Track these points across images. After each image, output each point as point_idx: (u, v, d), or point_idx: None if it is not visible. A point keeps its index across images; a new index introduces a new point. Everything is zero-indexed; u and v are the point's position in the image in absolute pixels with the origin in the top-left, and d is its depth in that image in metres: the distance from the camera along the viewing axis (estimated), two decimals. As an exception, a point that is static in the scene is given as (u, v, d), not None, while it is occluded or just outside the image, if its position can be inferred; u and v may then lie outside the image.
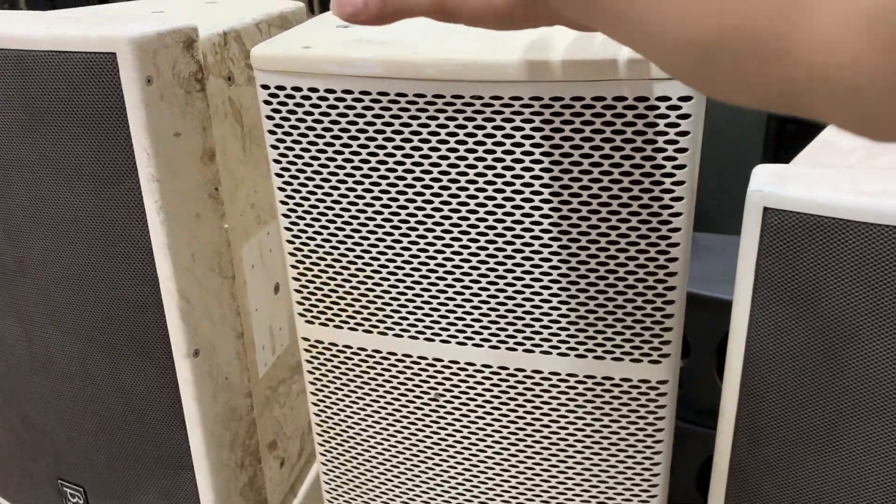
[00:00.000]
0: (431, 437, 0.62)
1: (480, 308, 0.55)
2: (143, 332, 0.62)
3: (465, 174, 0.51)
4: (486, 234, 0.53)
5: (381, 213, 0.54)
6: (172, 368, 0.63)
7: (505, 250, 0.53)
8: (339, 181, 0.54)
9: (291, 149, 0.54)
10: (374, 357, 0.60)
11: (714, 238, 1.09)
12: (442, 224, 0.53)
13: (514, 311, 0.55)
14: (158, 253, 0.58)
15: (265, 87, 0.53)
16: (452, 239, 0.53)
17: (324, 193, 0.55)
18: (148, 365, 0.63)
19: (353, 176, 0.53)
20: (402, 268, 0.56)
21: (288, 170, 0.55)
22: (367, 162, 0.53)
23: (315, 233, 0.57)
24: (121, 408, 0.67)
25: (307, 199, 0.55)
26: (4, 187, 0.61)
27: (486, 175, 0.51)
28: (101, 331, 0.63)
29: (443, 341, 0.58)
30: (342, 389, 0.63)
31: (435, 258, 0.54)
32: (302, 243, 0.58)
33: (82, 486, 0.74)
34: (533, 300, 0.54)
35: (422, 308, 0.57)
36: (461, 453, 0.62)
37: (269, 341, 0.76)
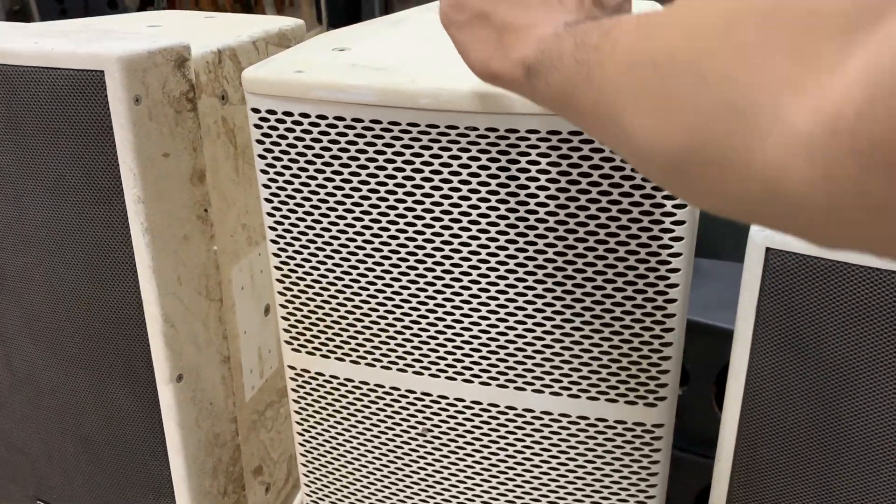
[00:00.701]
0: (418, 473, 0.60)
1: (471, 343, 0.53)
2: (126, 354, 0.60)
3: (458, 206, 0.49)
4: (479, 268, 0.51)
5: (372, 242, 0.52)
6: (155, 393, 0.61)
7: (497, 285, 0.51)
8: (329, 208, 0.52)
9: (282, 173, 0.52)
10: (361, 388, 0.58)
11: (713, 264, 1.07)
12: (433, 256, 0.51)
13: (506, 348, 0.53)
14: (143, 275, 0.57)
15: (256, 110, 0.51)
16: (444, 272, 0.52)
17: (313, 220, 0.53)
18: (130, 388, 0.62)
19: (344, 203, 0.52)
20: (392, 299, 0.54)
21: (277, 195, 0.53)
22: (358, 190, 0.51)
23: (304, 259, 0.55)
24: (102, 430, 0.65)
25: (296, 226, 0.54)
26: (-12, 203, 0.59)
27: (479, 208, 0.49)
28: (83, 351, 0.62)
29: (432, 375, 0.56)
30: (328, 420, 0.61)
31: (425, 290, 0.53)
32: (290, 270, 0.56)
33: (61, 509, 0.72)
34: (525, 337, 0.52)
35: (411, 341, 0.55)
36: (448, 490, 0.60)
37: (258, 364, 0.74)
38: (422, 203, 0.50)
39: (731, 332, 0.81)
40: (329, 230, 0.53)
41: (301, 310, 0.57)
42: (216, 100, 0.63)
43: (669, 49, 0.23)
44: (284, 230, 0.54)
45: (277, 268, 0.56)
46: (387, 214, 0.51)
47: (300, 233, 0.54)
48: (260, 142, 0.52)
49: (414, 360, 0.56)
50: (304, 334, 0.58)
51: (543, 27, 0.34)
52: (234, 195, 0.67)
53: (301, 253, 0.55)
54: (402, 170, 0.49)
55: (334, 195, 0.52)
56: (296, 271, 0.56)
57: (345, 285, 0.55)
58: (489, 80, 0.38)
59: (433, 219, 0.50)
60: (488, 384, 0.54)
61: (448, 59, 0.52)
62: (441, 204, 0.50)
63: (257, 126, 0.51)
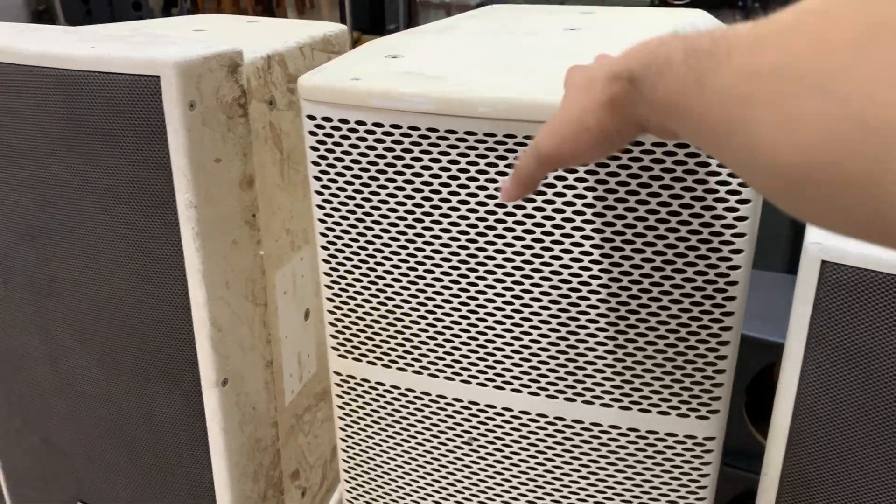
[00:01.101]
0: (462, 482, 0.60)
1: (521, 353, 0.53)
2: (172, 358, 0.61)
3: (513, 215, 0.49)
4: (532, 278, 0.51)
5: (423, 250, 0.52)
6: (200, 397, 0.62)
7: (550, 294, 0.51)
8: (382, 215, 0.52)
9: (335, 180, 0.52)
10: (406, 396, 0.58)
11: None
12: (485, 265, 0.51)
13: (557, 359, 0.52)
14: (192, 280, 0.57)
15: (311, 117, 0.51)
16: (496, 280, 0.51)
17: (364, 227, 0.53)
18: (175, 392, 0.62)
19: (396, 211, 0.52)
20: (442, 307, 0.54)
21: (330, 202, 0.53)
22: (411, 197, 0.51)
23: (354, 266, 0.55)
24: (144, 433, 0.65)
25: (347, 232, 0.54)
26: (41, 206, 0.60)
27: (534, 217, 0.49)
28: (129, 355, 0.62)
29: (480, 384, 0.56)
30: (372, 426, 0.61)
31: (476, 299, 0.53)
32: (339, 276, 0.56)
33: (101, 510, 0.72)
34: (577, 348, 0.52)
35: (459, 349, 0.55)
36: (492, 500, 0.59)
37: (297, 369, 0.75)
38: (475, 212, 0.50)
39: (762, 341, 0.80)
40: (381, 237, 0.53)
41: (349, 316, 0.57)
42: (265, 105, 0.63)
43: (795, 60, 0.22)
44: (336, 236, 0.54)
45: (327, 273, 0.56)
46: (440, 222, 0.51)
47: (351, 239, 0.54)
48: (314, 148, 0.52)
49: (462, 368, 0.55)
50: (352, 340, 0.58)
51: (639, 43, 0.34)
52: (279, 200, 0.67)
53: (351, 259, 0.55)
54: (457, 178, 0.49)
55: (387, 202, 0.52)
56: (345, 277, 0.56)
57: (394, 292, 0.55)
58: (597, 98, 0.36)
59: (486, 227, 0.50)
60: (537, 394, 0.54)
61: (502, 68, 0.52)
62: (495, 213, 0.49)
63: (312, 133, 0.51)
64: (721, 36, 0.26)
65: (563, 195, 0.48)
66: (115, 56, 0.53)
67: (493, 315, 0.53)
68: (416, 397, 0.58)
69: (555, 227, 0.49)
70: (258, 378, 0.66)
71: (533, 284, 0.51)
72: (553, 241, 0.49)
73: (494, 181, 0.48)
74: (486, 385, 0.56)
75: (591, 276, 0.49)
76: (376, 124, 0.49)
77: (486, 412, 0.56)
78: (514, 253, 0.50)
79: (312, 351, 0.78)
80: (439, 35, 0.63)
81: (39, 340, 0.67)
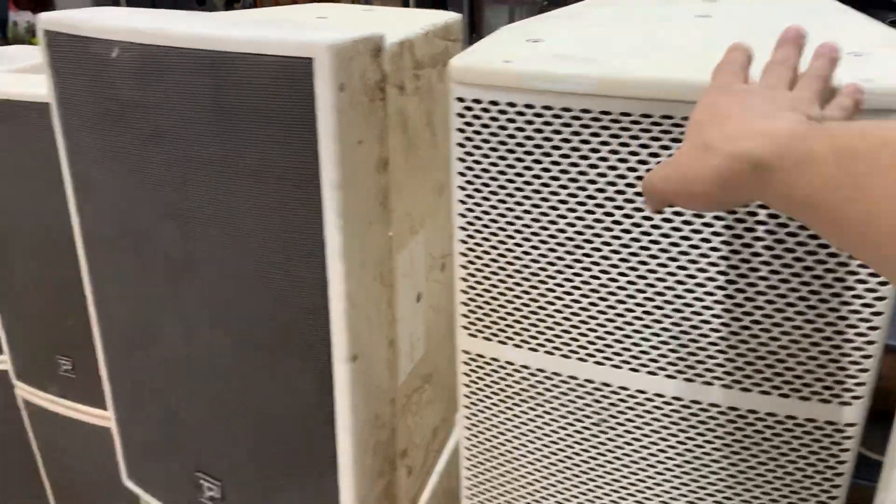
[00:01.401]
0: (588, 463, 0.60)
1: (660, 335, 0.54)
2: (307, 334, 0.63)
3: (662, 197, 0.50)
4: (678, 260, 0.51)
5: (565, 231, 0.53)
6: (330, 372, 0.63)
7: (696, 277, 0.51)
8: (525, 197, 0.53)
9: (479, 162, 0.54)
10: (536, 376, 0.59)
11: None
12: (629, 247, 0.52)
13: (697, 342, 0.53)
14: (332, 258, 0.59)
15: (461, 99, 0.52)
16: (639, 262, 0.52)
17: (506, 209, 0.54)
18: (307, 367, 0.64)
19: (540, 192, 0.53)
20: (580, 288, 0.55)
21: (472, 183, 0.54)
22: (557, 179, 0.52)
23: (491, 247, 0.56)
24: (272, 408, 0.68)
25: (487, 214, 0.55)
26: (184, 185, 0.62)
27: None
28: (264, 331, 0.64)
29: (614, 366, 0.56)
30: (499, 406, 0.62)
31: (617, 281, 0.53)
32: (476, 256, 0.57)
33: (221, 481, 0.75)
34: (720, 331, 0.52)
35: (595, 331, 0.56)
36: (618, 481, 0.60)
37: (409, 350, 0.76)
38: (623, 193, 0.50)
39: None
40: (521, 218, 0.54)
41: (483, 295, 0.58)
42: (396, 90, 0.64)
43: None
44: (475, 217, 0.56)
45: (463, 254, 0.58)
46: (584, 204, 0.52)
47: (491, 220, 0.55)
48: (461, 130, 0.53)
49: (596, 349, 0.56)
50: (483, 319, 0.59)
51: (770, 122, 0.34)
52: (403, 183, 0.68)
53: (489, 240, 0.56)
54: (606, 159, 0.50)
55: (531, 183, 0.53)
56: (481, 258, 0.57)
57: (531, 273, 0.56)
58: (709, 174, 0.37)
59: (634, 209, 0.51)
60: (674, 377, 0.54)
61: (650, 50, 0.53)
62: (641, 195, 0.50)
63: (460, 115, 0.53)
64: (878, 139, 0.26)
65: (716, 177, 0.48)
66: (269, 39, 0.55)
67: (633, 297, 0.53)
68: (546, 377, 0.59)
69: (696, 215, 0.49)
70: (382, 356, 0.68)
71: (679, 267, 0.51)
72: (703, 224, 0.49)
73: (646, 163, 0.49)
74: (620, 367, 0.56)
75: (741, 260, 0.50)
76: (528, 106, 0.50)
77: (619, 394, 0.57)
78: (661, 235, 0.51)
79: (422, 333, 0.79)
80: (571, 21, 0.64)
81: (173, 316, 0.69)
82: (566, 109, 0.49)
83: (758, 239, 0.49)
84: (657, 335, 0.54)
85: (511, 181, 0.53)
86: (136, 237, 0.69)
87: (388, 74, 0.62)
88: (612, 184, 0.50)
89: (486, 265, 0.57)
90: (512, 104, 0.51)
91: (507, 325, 0.58)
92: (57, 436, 1.13)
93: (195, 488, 0.78)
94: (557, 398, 0.59)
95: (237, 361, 0.67)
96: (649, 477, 0.59)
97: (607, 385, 0.57)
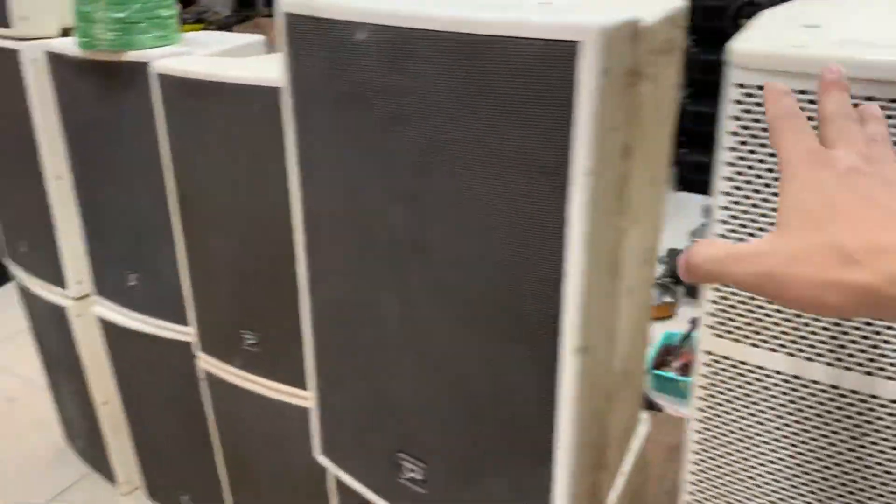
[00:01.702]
0: (821, 471, 0.57)
1: (948, 346, 0.49)
2: (536, 322, 0.62)
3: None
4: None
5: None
6: (555, 362, 0.62)
7: None
8: (801, 191, 0.50)
9: (755, 153, 0.51)
10: (789, 382, 0.56)
11: None
12: None
13: None
14: (573, 248, 0.58)
15: (740, 85, 0.50)
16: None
17: (771, 208, 0.51)
18: (532, 355, 0.63)
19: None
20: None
21: (742, 174, 0.52)
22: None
23: (752, 243, 0.53)
24: (489, 394, 0.67)
25: (757, 207, 0.52)
26: (422, 169, 0.63)
27: None
28: (490, 317, 0.64)
29: (867, 373, 0.52)
30: (739, 410, 0.59)
31: None
32: (733, 252, 0.54)
33: (426, 462, 0.75)
34: None
35: (847, 334, 0.52)
36: (845, 490, 0.56)
37: (619, 346, 0.74)
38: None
39: None
40: (794, 214, 0.51)
41: (737, 294, 0.56)
42: (636, 76, 0.62)
43: None
44: (741, 211, 0.53)
45: (719, 249, 0.55)
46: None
47: (760, 214, 0.52)
48: (736, 118, 0.51)
49: (847, 354, 0.52)
50: (735, 320, 0.56)
51: None
52: (634, 173, 0.66)
53: (753, 236, 0.53)
54: None
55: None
56: (740, 254, 0.54)
57: (797, 272, 0.52)
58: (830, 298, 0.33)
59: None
60: (959, 392, 0.50)
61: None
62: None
63: (738, 102, 0.50)
64: None
65: None
66: (532, 22, 0.54)
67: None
68: (801, 385, 0.56)
69: None
70: (604, 350, 0.66)
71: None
72: None
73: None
74: (872, 374, 0.52)
75: None
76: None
77: (868, 402, 0.53)
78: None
79: (628, 329, 0.77)
80: (831, 9, 0.60)
81: (393, 297, 0.70)
82: (869, 98, 0.46)
83: None
84: (945, 346, 0.50)
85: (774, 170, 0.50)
86: (362, 218, 0.70)
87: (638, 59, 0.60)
88: None
89: (744, 262, 0.54)
90: (804, 91, 0.48)
91: (764, 328, 0.55)
92: (236, 408, 1.18)
93: (394, 468, 0.79)
94: (793, 402, 0.56)
95: (457, 345, 0.67)
96: (883, 484, 0.55)
97: (854, 392, 0.53)
